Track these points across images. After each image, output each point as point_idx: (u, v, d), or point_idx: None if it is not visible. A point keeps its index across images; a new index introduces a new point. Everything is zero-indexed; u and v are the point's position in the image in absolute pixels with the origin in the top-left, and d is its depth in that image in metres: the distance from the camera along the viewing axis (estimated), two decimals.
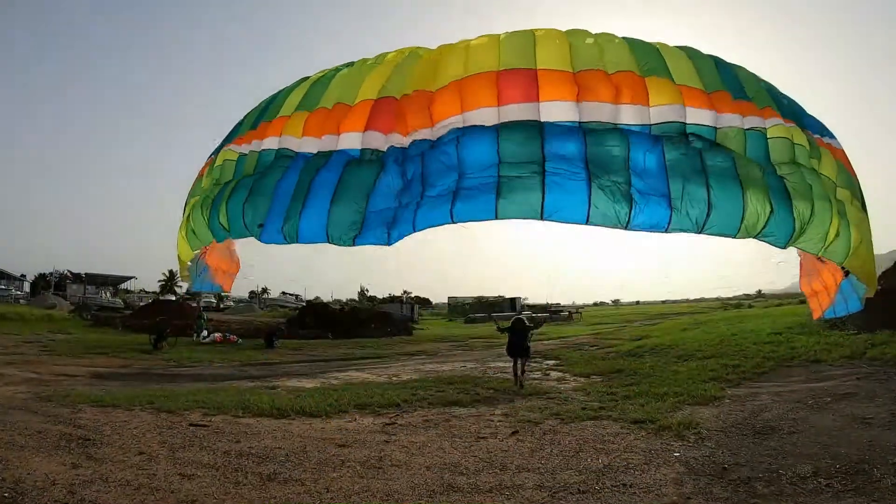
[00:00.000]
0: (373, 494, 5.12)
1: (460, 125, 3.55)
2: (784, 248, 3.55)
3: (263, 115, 4.33)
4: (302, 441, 7.05)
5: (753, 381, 11.02)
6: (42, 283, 59.05)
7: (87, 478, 5.59)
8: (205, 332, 24.33)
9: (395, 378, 13.72)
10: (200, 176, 4.67)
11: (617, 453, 6.35)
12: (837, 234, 3.62)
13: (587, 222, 3.38)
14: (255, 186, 3.95)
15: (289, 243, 3.81)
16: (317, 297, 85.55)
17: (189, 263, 5.00)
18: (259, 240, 3.91)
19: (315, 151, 3.88)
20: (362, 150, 3.75)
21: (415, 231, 3.59)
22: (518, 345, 11.95)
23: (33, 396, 9.84)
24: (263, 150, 4.10)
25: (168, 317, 26.77)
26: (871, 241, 3.94)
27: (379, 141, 3.73)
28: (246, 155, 4.23)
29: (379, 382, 12.70)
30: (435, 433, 7.47)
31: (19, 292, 47.46)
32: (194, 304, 44.42)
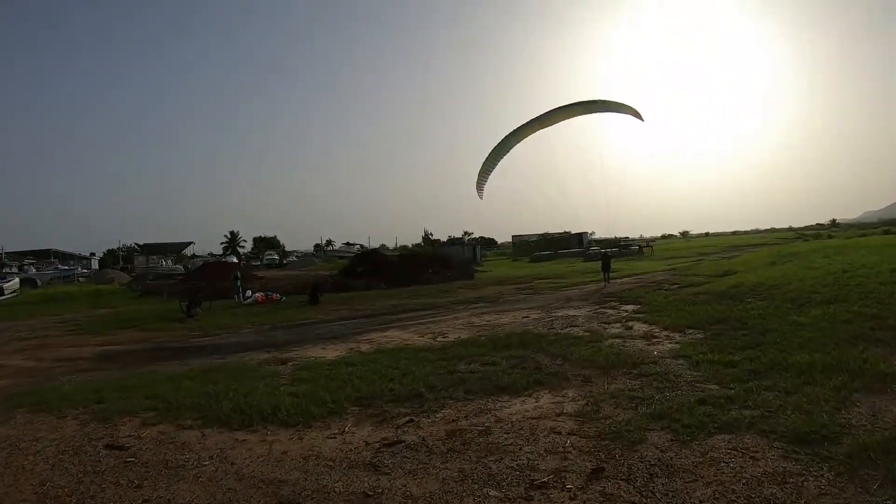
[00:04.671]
0: None
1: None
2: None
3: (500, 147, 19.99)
4: (230, 492, 4.13)
5: None
6: (111, 258, 60.30)
7: None
8: (249, 292, 22.35)
9: (439, 339, 10.74)
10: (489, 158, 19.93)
11: None
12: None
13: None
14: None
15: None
16: (382, 245, 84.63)
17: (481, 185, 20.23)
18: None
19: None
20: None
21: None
22: (605, 266, 21.24)
23: None
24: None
25: (209, 280, 24.99)
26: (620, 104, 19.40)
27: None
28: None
29: (416, 347, 9.71)
30: (458, 467, 4.21)
31: (86, 270, 47.66)
32: (256, 263, 43.01)
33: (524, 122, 18.86)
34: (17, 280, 31.55)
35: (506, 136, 19.08)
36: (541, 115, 18.75)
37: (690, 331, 9.59)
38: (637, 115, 19.30)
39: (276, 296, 21.80)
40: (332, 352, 10.12)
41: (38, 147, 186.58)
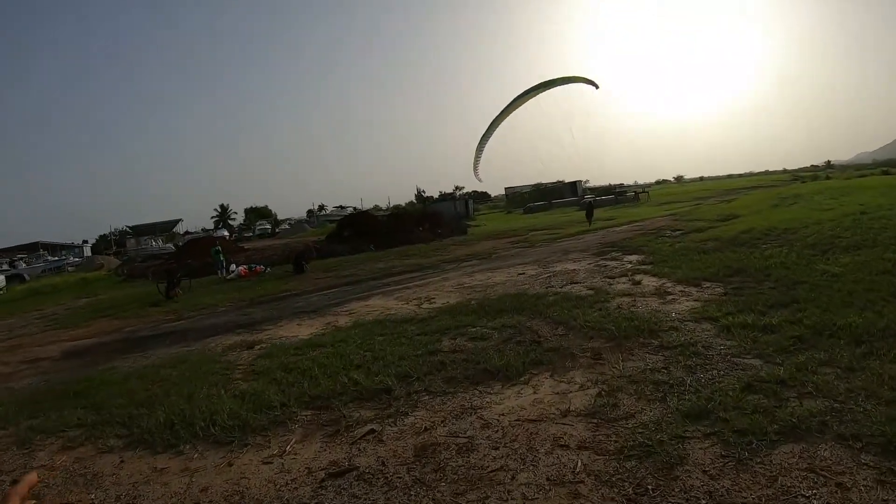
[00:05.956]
0: None
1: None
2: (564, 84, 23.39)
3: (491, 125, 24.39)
4: None
5: None
6: (104, 244, 58.49)
7: None
8: (233, 266, 21.01)
9: (425, 305, 9.48)
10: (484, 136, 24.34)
11: None
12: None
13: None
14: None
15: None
16: (375, 206, 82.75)
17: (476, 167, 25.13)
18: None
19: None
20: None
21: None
22: (589, 214, 25.12)
23: None
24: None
25: (195, 256, 23.63)
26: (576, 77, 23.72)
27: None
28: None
29: (398, 318, 8.39)
30: None
31: (78, 259, 45.75)
32: (248, 234, 41.35)
33: (501, 109, 23.68)
34: (2, 277, 29.95)
35: (489, 125, 23.81)
36: (514, 100, 23.24)
37: (707, 284, 8.26)
38: (592, 83, 23.68)
39: (259, 268, 20.44)
40: (306, 328, 8.90)
41: (23, 143, 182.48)
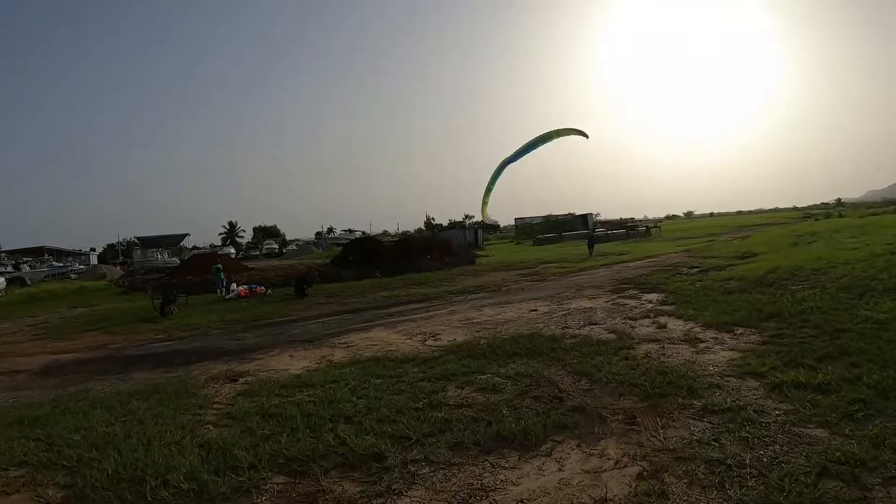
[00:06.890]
0: None
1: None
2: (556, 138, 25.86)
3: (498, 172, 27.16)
4: None
5: None
6: (111, 253, 58.16)
7: None
8: (233, 286, 20.28)
9: (429, 342, 8.70)
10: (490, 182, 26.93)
11: None
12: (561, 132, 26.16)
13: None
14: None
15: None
16: (384, 231, 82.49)
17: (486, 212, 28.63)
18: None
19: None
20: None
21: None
22: (590, 246, 27.94)
23: None
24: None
25: (197, 273, 23.02)
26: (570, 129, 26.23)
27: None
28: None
29: (398, 357, 7.55)
30: None
31: (83, 266, 45.28)
32: (255, 253, 40.75)
33: (501, 161, 26.16)
34: (1, 280, 29.40)
35: (491, 178, 26.24)
36: (513, 154, 25.89)
37: (740, 330, 7.47)
38: (583, 134, 25.89)
39: (260, 289, 19.64)
40: (298, 361, 8.14)
41: (38, 145, 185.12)
